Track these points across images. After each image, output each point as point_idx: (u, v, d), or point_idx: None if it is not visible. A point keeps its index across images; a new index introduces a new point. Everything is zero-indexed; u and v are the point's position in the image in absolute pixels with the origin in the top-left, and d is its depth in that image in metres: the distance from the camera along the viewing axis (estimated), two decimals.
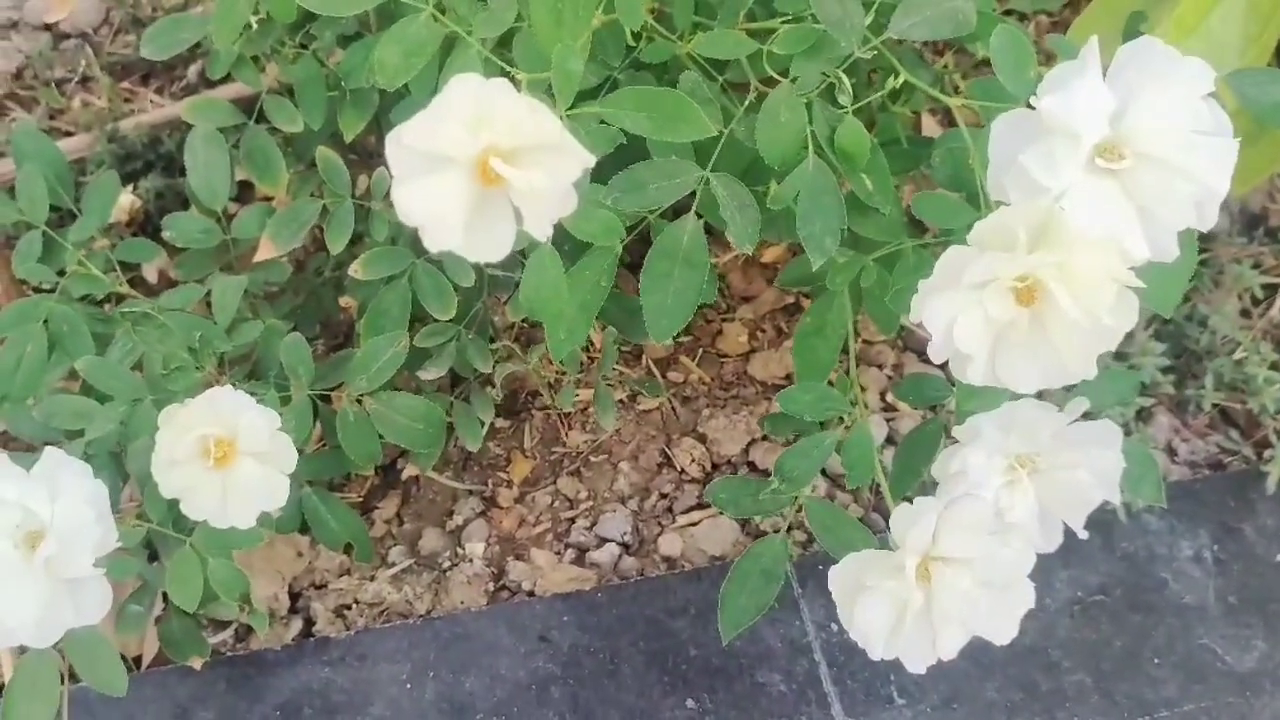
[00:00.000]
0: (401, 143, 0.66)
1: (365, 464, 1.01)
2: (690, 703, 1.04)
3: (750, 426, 1.21)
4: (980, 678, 1.05)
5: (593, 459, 1.23)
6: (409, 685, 1.05)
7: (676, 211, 0.89)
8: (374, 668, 1.06)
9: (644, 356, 1.27)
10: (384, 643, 1.08)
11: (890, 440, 1.20)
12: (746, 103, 0.89)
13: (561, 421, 1.25)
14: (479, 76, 0.65)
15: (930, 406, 1.02)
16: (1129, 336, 1.22)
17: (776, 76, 0.86)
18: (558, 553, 1.18)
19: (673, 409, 1.25)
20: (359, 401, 1.00)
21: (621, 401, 1.25)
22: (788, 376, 1.26)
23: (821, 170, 0.86)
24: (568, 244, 0.90)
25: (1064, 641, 1.07)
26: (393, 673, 1.06)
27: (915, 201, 0.87)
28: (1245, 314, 1.29)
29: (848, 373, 0.93)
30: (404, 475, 1.23)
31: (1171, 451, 1.21)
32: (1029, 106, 0.72)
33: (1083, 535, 0.84)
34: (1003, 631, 0.81)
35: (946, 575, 0.78)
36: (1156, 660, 1.06)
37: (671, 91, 0.77)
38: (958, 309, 0.73)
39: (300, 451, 1.04)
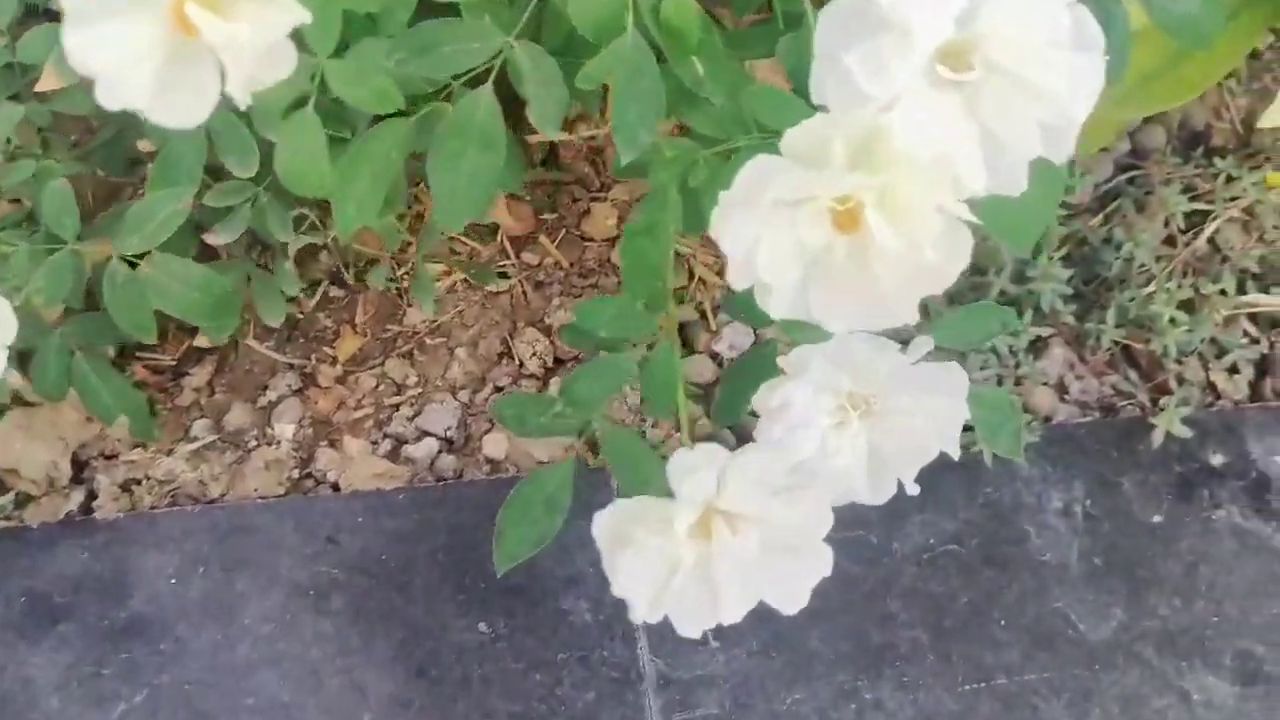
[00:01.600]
0: None
1: (137, 333, 0.89)
2: (483, 626, 0.94)
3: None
4: (806, 624, 0.95)
5: (428, 341, 1.11)
6: (174, 580, 0.95)
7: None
8: (140, 556, 0.96)
9: (499, 232, 1.15)
10: (156, 529, 0.97)
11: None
12: None
13: (401, 297, 1.13)
14: None
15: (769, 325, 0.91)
16: (1029, 262, 1.10)
17: None
18: (374, 442, 1.07)
19: (523, 293, 1.13)
20: (131, 264, 0.88)
21: (467, 281, 1.13)
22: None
23: (640, 47, 0.72)
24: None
25: (905, 592, 0.97)
26: (160, 563, 0.96)
27: (746, 95, 0.74)
28: (1170, 242, 1.17)
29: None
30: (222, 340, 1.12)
31: (1062, 389, 1.09)
32: None
33: (911, 490, 0.74)
34: (791, 600, 0.71)
35: (727, 534, 0.68)
36: (1003, 622, 0.96)
37: None
38: (762, 229, 0.61)
39: (72, 312, 0.93)
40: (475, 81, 0.78)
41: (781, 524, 0.68)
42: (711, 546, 0.68)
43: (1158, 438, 1.02)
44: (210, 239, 0.93)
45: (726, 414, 0.86)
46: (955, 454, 0.74)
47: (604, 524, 0.69)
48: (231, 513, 0.99)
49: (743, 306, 0.84)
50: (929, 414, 0.74)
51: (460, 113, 0.75)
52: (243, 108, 0.57)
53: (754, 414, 0.75)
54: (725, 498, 0.67)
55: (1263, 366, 1.11)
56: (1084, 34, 0.59)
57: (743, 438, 1.00)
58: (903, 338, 0.69)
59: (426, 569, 0.96)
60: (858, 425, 0.74)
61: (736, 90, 0.79)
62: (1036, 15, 0.58)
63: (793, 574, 0.70)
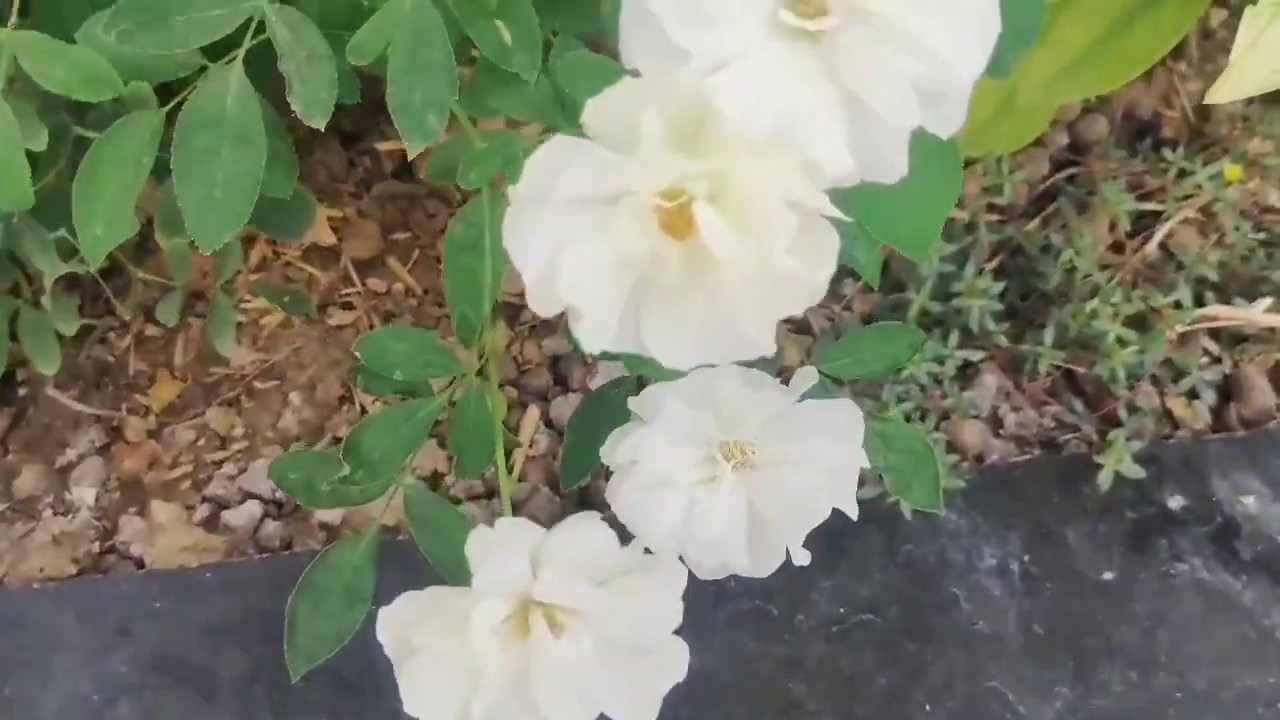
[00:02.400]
0: None
1: None
2: None
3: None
4: (697, 715, 0.79)
5: (259, 386, 0.95)
6: None
7: None
8: None
9: (344, 254, 0.99)
10: None
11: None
12: None
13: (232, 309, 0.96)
14: None
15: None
16: (956, 274, 0.95)
17: None
18: (189, 507, 0.90)
19: (370, 326, 0.97)
20: None
21: (306, 316, 0.97)
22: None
23: (425, 10, 0.57)
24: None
25: (813, 673, 0.81)
26: None
27: (561, 63, 0.58)
28: (1117, 248, 1.01)
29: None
30: (20, 391, 0.95)
31: (996, 422, 0.94)
32: None
33: (800, 560, 0.59)
34: (637, 712, 0.55)
35: (546, 635, 0.52)
36: (929, 707, 0.81)
37: None
38: (567, 234, 0.45)
39: None
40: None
41: (619, 616, 0.53)
42: (529, 650, 0.52)
43: (1106, 479, 0.87)
44: None
45: (572, 473, 0.70)
46: (853, 513, 0.59)
47: (387, 624, 0.53)
48: (4, 601, 0.82)
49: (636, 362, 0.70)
50: (818, 465, 0.59)
51: (204, 100, 0.59)
52: None
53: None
54: (541, 588, 0.52)
55: (1225, 390, 0.96)
56: None
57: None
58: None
59: (235, 664, 0.80)
60: (732, 480, 0.59)
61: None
62: None
63: (639, 679, 0.55)
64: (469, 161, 0.63)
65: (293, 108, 0.58)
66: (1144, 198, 1.02)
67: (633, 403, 0.60)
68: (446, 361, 0.61)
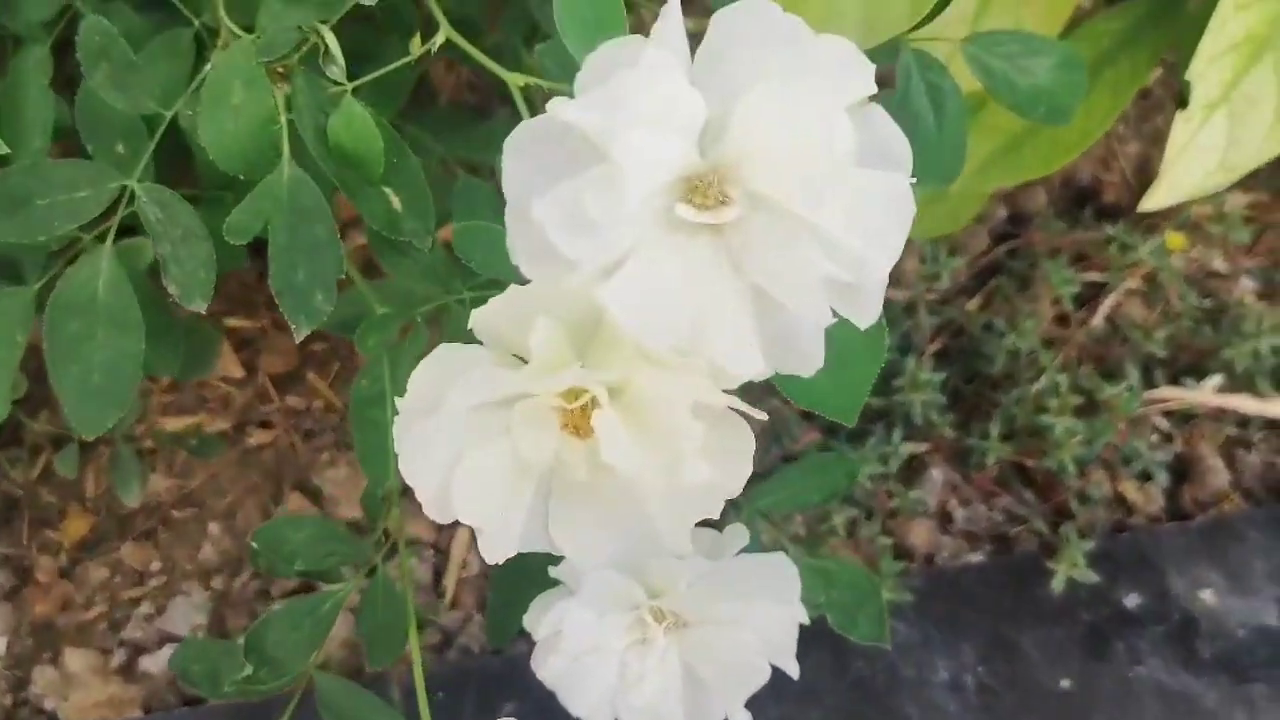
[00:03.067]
0: None
1: None
2: None
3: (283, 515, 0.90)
4: None
5: (175, 515, 0.91)
6: None
7: None
8: None
9: (260, 370, 0.95)
10: None
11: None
12: (205, 70, 0.55)
13: (145, 459, 0.92)
14: None
15: None
16: (898, 364, 0.92)
17: (235, 30, 0.53)
18: (106, 651, 0.86)
19: (291, 445, 0.93)
20: None
21: (224, 433, 0.93)
22: None
23: (301, 184, 0.53)
24: None
25: None
26: None
27: (456, 234, 0.54)
28: (1062, 321, 0.98)
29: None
30: None
31: (945, 518, 0.91)
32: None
33: (739, 718, 0.56)
34: None
35: None
36: None
37: None
38: (460, 445, 0.42)
39: None
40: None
41: None
42: None
43: (1060, 583, 0.84)
44: None
45: (498, 634, 0.66)
46: (793, 672, 0.56)
47: None
48: None
49: None
50: (756, 625, 0.56)
51: (75, 287, 0.55)
52: None
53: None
54: None
55: (1179, 470, 0.93)
56: (882, 146, 0.41)
57: None
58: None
59: None
60: (664, 642, 0.56)
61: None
62: (807, 122, 0.38)
63: None
64: (366, 327, 0.59)
65: (165, 286, 0.54)
66: (1086, 268, 0.99)
67: (555, 571, 0.57)
68: (349, 549, 0.57)
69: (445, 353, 0.42)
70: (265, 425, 0.93)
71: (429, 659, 0.83)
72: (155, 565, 0.89)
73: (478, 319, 0.41)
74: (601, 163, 0.37)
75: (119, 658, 0.85)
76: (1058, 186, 1.04)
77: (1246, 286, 1.00)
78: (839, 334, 0.41)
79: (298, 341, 0.53)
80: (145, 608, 0.87)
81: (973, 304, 0.98)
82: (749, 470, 0.42)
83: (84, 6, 0.63)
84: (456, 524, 0.86)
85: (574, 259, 0.38)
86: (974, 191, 0.92)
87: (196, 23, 0.60)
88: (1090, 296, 0.99)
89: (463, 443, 0.42)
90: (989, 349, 0.94)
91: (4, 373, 0.60)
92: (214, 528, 0.90)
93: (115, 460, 0.82)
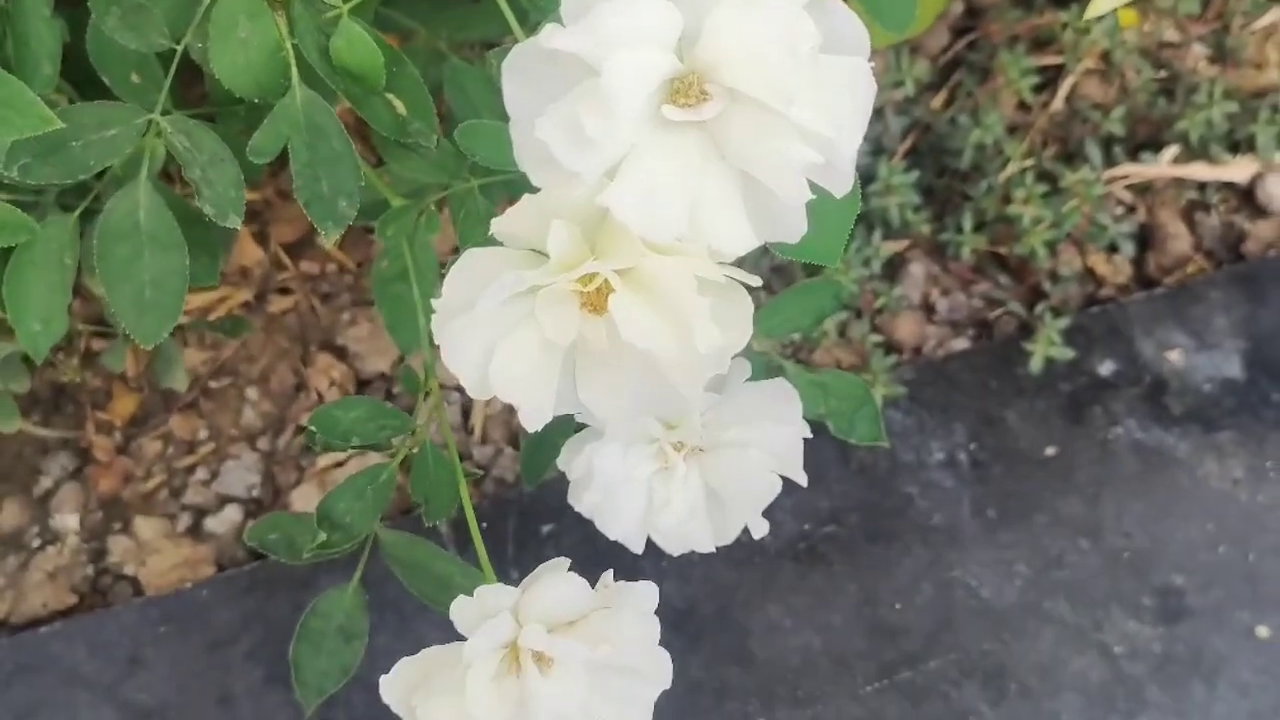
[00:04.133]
0: None
1: None
2: None
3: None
4: (683, 651, 0.85)
5: (213, 385, 0.97)
6: None
7: None
8: None
9: (271, 239, 1.00)
10: None
11: None
12: (205, 2, 0.59)
13: (173, 334, 0.97)
14: None
15: None
16: (871, 167, 0.97)
17: None
18: (171, 516, 0.93)
19: (311, 308, 0.98)
20: None
21: (247, 303, 0.98)
22: (454, 246, 0.99)
23: (313, 103, 0.58)
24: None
25: (786, 592, 0.86)
26: None
27: (459, 133, 0.59)
28: (1024, 108, 1.03)
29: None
30: None
31: (929, 309, 0.97)
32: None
33: (759, 532, 0.63)
34: None
35: (535, 675, 0.56)
36: (898, 606, 0.86)
37: None
38: (494, 334, 0.48)
39: None
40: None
41: (600, 656, 0.57)
42: (522, 690, 0.56)
43: (1038, 362, 0.91)
44: None
45: (531, 474, 0.73)
46: (802, 480, 0.63)
47: (392, 689, 0.57)
48: (15, 646, 0.86)
49: None
50: (764, 445, 0.63)
51: (118, 215, 0.60)
52: None
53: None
54: (525, 640, 0.55)
55: (1143, 239, 0.99)
56: (839, 34, 0.45)
57: None
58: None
59: (248, 673, 0.84)
60: (685, 469, 0.63)
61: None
62: (772, 26, 0.43)
63: (628, 698, 0.59)
64: (386, 219, 0.65)
65: (200, 207, 0.60)
66: (1043, 54, 1.04)
67: (581, 416, 0.63)
68: (399, 422, 0.64)
69: (472, 257, 0.48)
70: (284, 291, 0.99)
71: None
72: (203, 434, 0.96)
73: (497, 226, 0.46)
74: (591, 80, 0.42)
75: (184, 521, 0.93)
76: None
77: (1198, 53, 1.04)
78: (818, 206, 0.47)
79: (330, 245, 0.58)
80: (200, 474, 0.94)
81: (937, 101, 1.03)
82: (750, 330, 0.48)
83: None
84: None
85: (578, 170, 0.43)
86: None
87: None
88: (1049, 81, 1.04)
89: (495, 333, 0.48)
90: (956, 143, 0.99)
91: (60, 291, 0.65)
92: (251, 392, 0.96)
93: (157, 351, 0.88)
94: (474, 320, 0.47)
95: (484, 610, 0.55)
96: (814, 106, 0.44)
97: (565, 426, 0.66)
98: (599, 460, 0.62)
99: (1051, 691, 0.84)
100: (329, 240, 0.59)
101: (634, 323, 0.46)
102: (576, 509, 0.63)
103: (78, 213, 0.64)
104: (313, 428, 0.63)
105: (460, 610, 0.55)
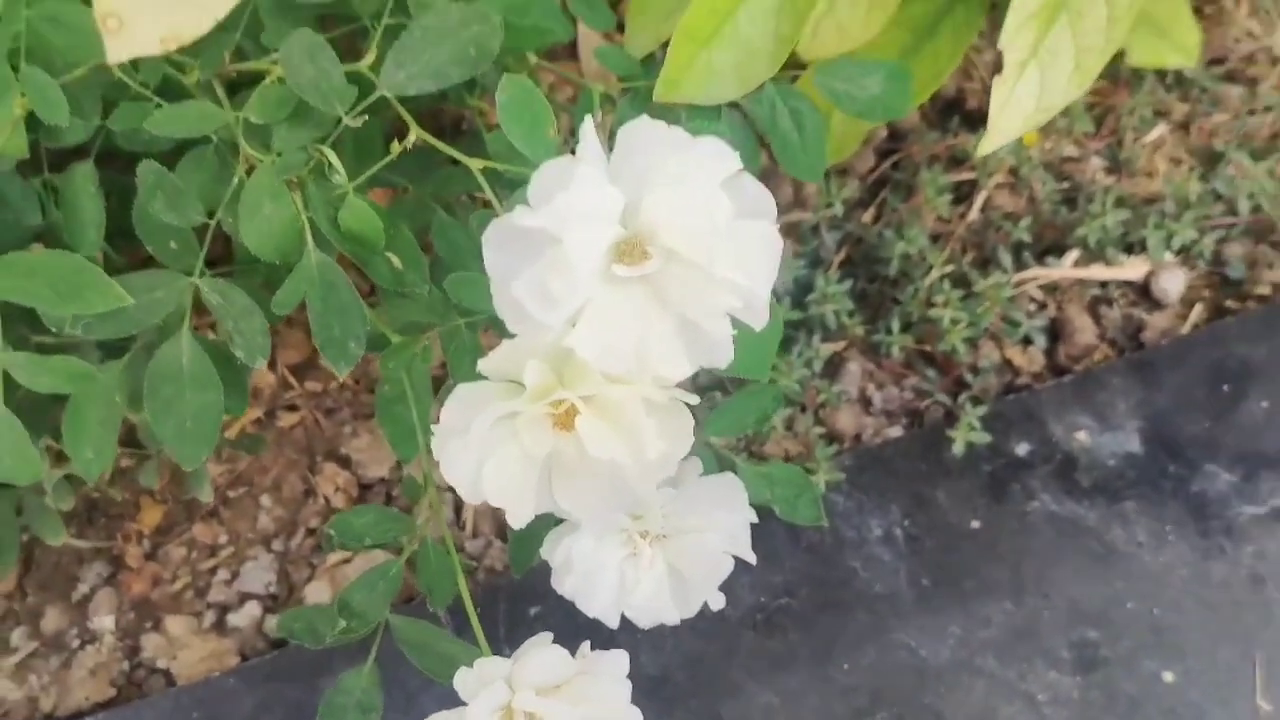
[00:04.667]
0: None
1: None
2: None
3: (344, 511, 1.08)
4: (660, 713, 0.96)
5: (230, 494, 1.09)
6: None
7: None
8: None
9: (278, 363, 1.12)
10: None
11: None
12: (234, 184, 0.72)
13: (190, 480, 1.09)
14: None
15: None
16: (809, 278, 1.10)
17: (253, 155, 0.70)
18: (197, 614, 1.05)
19: (316, 422, 1.10)
20: None
21: (259, 420, 1.10)
22: (443, 365, 1.11)
23: (325, 264, 0.70)
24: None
25: (747, 658, 0.98)
26: None
27: (449, 284, 0.72)
28: (943, 219, 1.17)
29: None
30: (23, 537, 1.08)
31: (865, 402, 1.10)
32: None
33: (716, 605, 0.74)
34: None
35: None
36: (846, 666, 0.97)
37: (67, 258, 0.60)
38: (484, 451, 0.60)
39: None
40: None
41: (580, 711, 0.68)
42: None
43: (959, 448, 1.03)
44: None
45: (519, 564, 0.85)
46: (751, 559, 0.74)
47: None
48: None
49: None
50: (717, 529, 0.74)
51: (165, 361, 0.72)
52: None
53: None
54: (520, 703, 0.66)
55: (1055, 332, 1.12)
56: (749, 202, 0.58)
57: None
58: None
59: None
60: (650, 553, 0.74)
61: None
62: (696, 205, 0.56)
63: None
64: (387, 354, 0.77)
65: (234, 353, 0.72)
66: (959, 169, 1.17)
67: (560, 511, 0.75)
68: (403, 525, 0.75)
69: (464, 391, 0.60)
70: (291, 409, 1.11)
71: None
72: (223, 539, 1.07)
73: (483, 365, 0.59)
74: (554, 249, 0.55)
75: (209, 618, 1.04)
76: (928, 101, 1.21)
77: (1096, 165, 1.18)
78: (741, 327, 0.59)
79: (340, 380, 0.70)
80: (222, 574, 1.06)
81: (867, 216, 1.16)
82: (691, 441, 0.60)
83: (114, 125, 0.79)
84: None
85: (547, 324, 0.56)
86: (856, 126, 1.09)
87: (214, 138, 0.76)
88: (965, 194, 1.17)
89: (484, 451, 0.60)
90: (885, 254, 1.12)
91: (111, 425, 0.77)
92: (265, 500, 1.08)
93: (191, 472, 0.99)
94: (467, 441, 0.59)
95: (482, 679, 0.67)
96: (732, 262, 0.57)
97: (547, 521, 0.78)
98: (576, 549, 0.73)
99: None
100: (340, 375, 0.71)
101: (596, 439, 0.58)
102: (559, 592, 0.74)
103: (125, 359, 0.76)
104: (331, 532, 0.75)
105: (462, 680, 0.66)
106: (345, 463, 1.08)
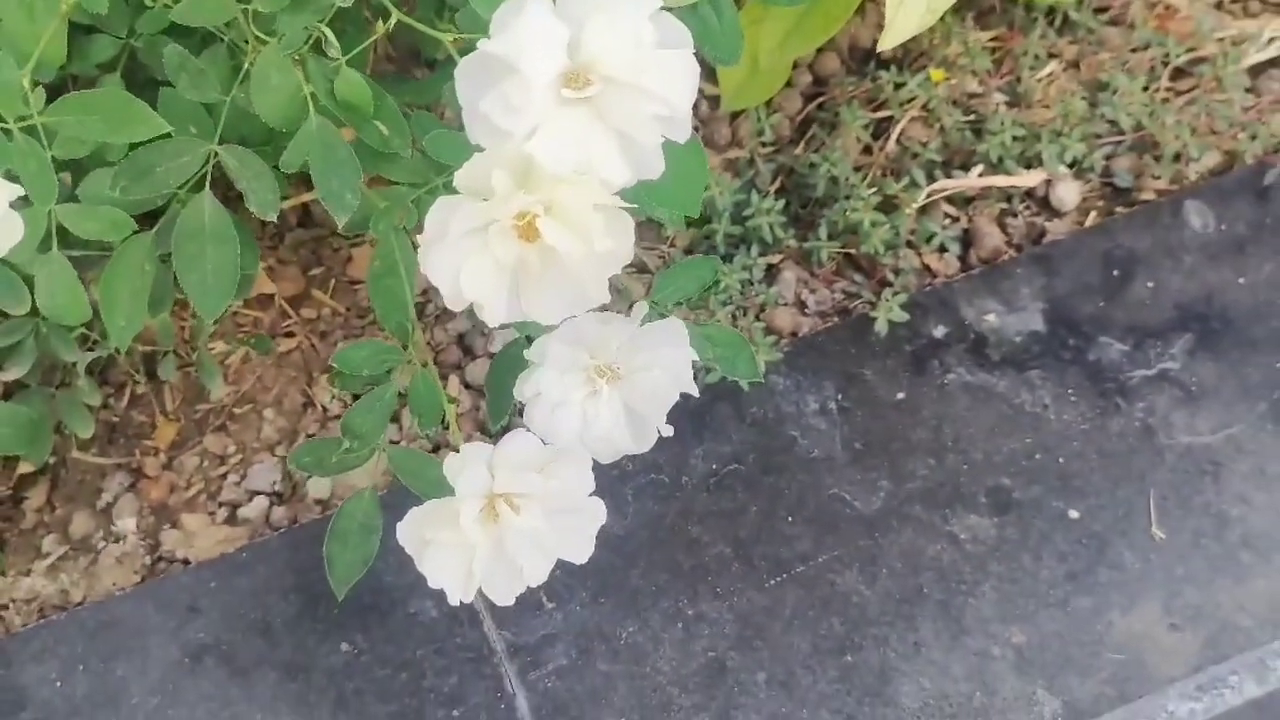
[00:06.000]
0: None
1: None
2: (345, 645, 1.06)
3: None
4: (624, 567, 1.08)
5: (237, 411, 1.21)
6: (59, 683, 1.04)
7: None
8: (22, 671, 1.05)
9: (275, 296, 1.25)
10: (30, 644, 1.06)
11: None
12: (245, 66, 0.85)
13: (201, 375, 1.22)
14: None
15: None
16: (747, 201, 1.24)
17: (264, 38, 0.84)
18: (210, 513, 1.17)
19: (311, 345, 1.23)
20: None
21: (249, 344, 1.23)
22: (425, 293, 1.24)
23: (325, 127, 0.83)
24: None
25: (702, 516, 1.10)
26: (40, 673, 1.05)
27: (428, 142, 0.85)
28: (868, 151, 1.31)
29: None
30: (49, 459, 1.20)
31: (801, 305, 1.23)
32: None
33: (666, 432, 0.85)
34: (580, 552, 0.82)
35: (510, 514, 0.79)
36: (790, 519, 1.10)
37: (115, 93, 0.74)
38: (461, 259, 0.73)
39: None
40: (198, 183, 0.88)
41: (552, 493, 0.80)
42: (501, 527, 0.79)
43: (882, 327, 1.17)
44: (5, 376, 1.02)
45: (497, 414, 0.97)
46: (694, 392, 0.86)
47: (405, 531, 0.80)
48: (96, 610, 1.08)
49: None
50: (664, 366, 0.86)
51: (189, 219, 0.86)
52: None
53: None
54: (499, 484, 0.79)
55: (967, 240, 1.26)
56: (670, 35, 0.72)
57: None
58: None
59: (282, 611, 1.07)
60: (608, 390, 0.85)
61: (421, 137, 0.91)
62: (626, 31, 0.70)
63: (575, 530, 0.82)
64: (376, 217, 0.90)
65: (249, 207, 0.85)
66: (877, 108, 1.32)
67: (528, 353, 0.87)
68: (396, 356, 0.88)
69: (443, 201, 0.74)
70: (289, 335, 1.24)
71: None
72: (231, 448, 1.20)
73: (458, 177, 0.72)
74: (513, 73, 0.68)
75: (222, 515, 1.16)
76: (846, 50, 1.36)
77: (998, 99, 1.33)
78: (675, 165, 0.72)
79: (340, 226, 0.84)
80: (232, 478, 1.18)
81: (798, 150, 1.31)
82: (633, 239, 0.73)
83: (139, 44, 0.93)
84: (445, 377, 1.15)
85: (509, 130, 0.69)
86: (779, 64, 1.24)
87: (225, 38, 0.90)
88: (884, 129, 1.32)
89: (461, 258, 0.73)
90: (813, 180, 1.27)
91: (140, 295, 0.90)
92: (268, 413, 1.21)
93: (200, 364, 1.12)
94: (447, 245, 0.72)
95: (468, 459, 0.79)
96: (657, 78, 0.70)
97: (517, 371, 0.91)
98: (543, 380, 0.86)
99: (914, 571, 1.08)
100: (340, 224, 0.84)
101: (556, 233, 0.72)
102: (530, 429, 0.86)
103: (154, 230, 0.90)
104: (335, 364, 0.88)
105: (450, 465, 0.79)
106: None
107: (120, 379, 1.22)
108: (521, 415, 0.84)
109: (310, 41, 0.84)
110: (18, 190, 0.66)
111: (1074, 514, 1.10)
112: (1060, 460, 1.12)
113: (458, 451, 0.80)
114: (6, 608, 1.13)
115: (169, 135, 0.78)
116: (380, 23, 0.84)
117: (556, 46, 0.70)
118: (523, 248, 0.73)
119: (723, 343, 0.98)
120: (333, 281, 1.26)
